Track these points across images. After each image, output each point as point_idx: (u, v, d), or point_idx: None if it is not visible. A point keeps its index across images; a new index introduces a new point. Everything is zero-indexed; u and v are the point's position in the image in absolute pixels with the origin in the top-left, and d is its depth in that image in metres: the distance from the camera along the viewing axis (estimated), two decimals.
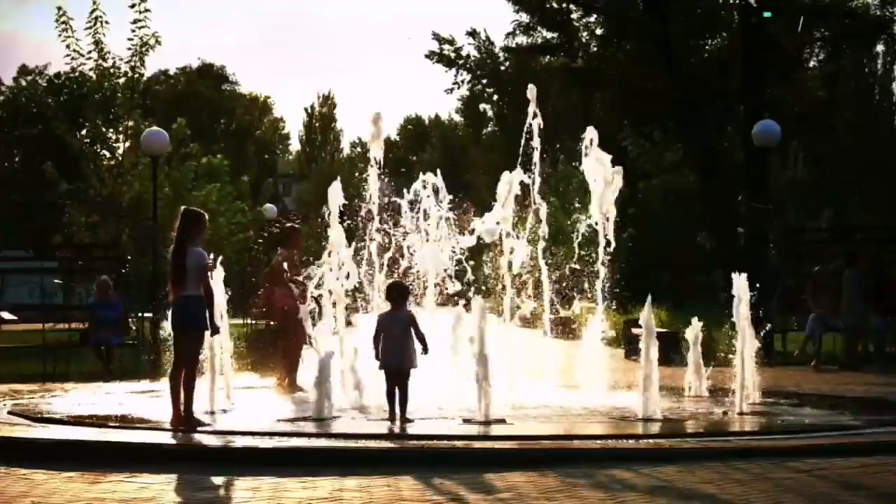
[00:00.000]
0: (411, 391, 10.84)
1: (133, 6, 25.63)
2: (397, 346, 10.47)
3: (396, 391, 10.51)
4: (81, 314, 21.22)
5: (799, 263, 22.55)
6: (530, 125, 13.13)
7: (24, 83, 66.21)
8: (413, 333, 10.54)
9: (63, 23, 25.61)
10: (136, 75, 26.49)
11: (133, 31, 25.78)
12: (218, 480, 7.65)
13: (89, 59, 26.10)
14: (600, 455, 8.46)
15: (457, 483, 7.43)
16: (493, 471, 7.79)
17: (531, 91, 13.17)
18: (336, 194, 12.31)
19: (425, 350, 10.52)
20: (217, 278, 11.21)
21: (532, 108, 13.07)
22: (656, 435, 9.61)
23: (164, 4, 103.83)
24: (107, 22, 25.74)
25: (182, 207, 10.86)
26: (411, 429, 10.18)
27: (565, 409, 11.47)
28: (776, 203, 24.05)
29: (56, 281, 23.21)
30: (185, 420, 10.05)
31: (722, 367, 12.00)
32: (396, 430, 10.06)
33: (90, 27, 25.71)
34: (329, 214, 12.21)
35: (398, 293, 10.77)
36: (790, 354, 19.92)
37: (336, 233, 12.10)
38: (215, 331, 10.51)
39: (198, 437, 9.63)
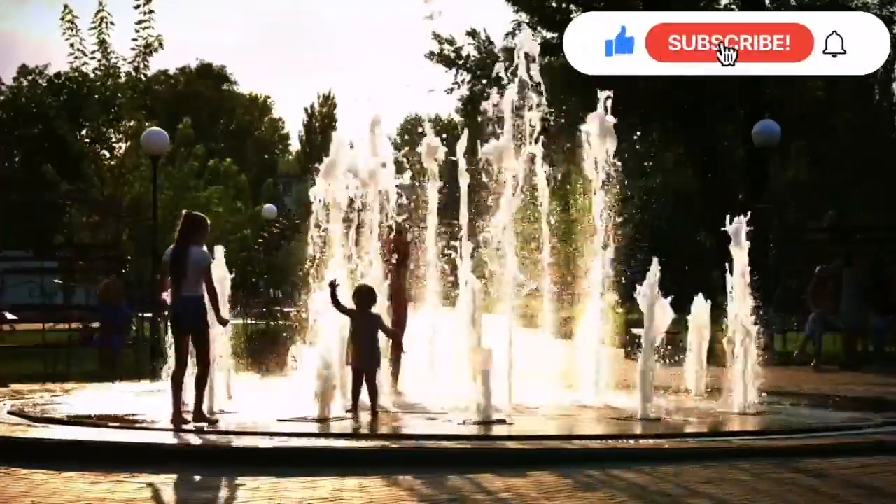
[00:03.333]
0: (417, 391, 11.43)
1: (137, 7, 25.67)
2: (367, 346, 10.89)
3: (364, 388, 10.91)
4: (82, 314, 21.25)
5: (799, 263, 22.58)
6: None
7: (24, 83, 66.22)
8: (382, 332, 11.14)
9: (69, 21, 25.64)
10: (140, 76, 26.52)
11: (137, 31, 25.84)
12: (218, 480, 7.64)
13: (93, 58, 26.15)
14: (600, 455, 8.45)
15: (457, 483, 7.43)
16: (493, 471, 7.78)
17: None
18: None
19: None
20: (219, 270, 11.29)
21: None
22: (656, 435, 9.60)
23: (164, 4, 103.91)
24: (112, 23, 25.81)
25: (184, 211, 10.90)
26: (409, 429, 10.19)
27: (565, 409, 11.47)
28: (776, 203, 24.07)
29: (56, 281, 23.24)
30: (194, 417, 10.16)
31: (722, 367, 12.00)
32: (364, 424, 10.44)
33: (95, 27, 25.76)
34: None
35: (368, 296, 11.08)
36: (790, 354, 19.93)
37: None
38: (224, 323, 10.79)
39: (198, 437, 9.63)
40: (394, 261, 12.84)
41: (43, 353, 18.88)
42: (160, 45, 25.94)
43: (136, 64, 26.26)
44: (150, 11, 25.60)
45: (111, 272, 21.17)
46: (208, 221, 10.72)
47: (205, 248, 10.41)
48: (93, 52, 26.06)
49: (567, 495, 7.02)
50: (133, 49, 26.07)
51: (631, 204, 14.32)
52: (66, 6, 25.59)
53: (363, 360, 10.91)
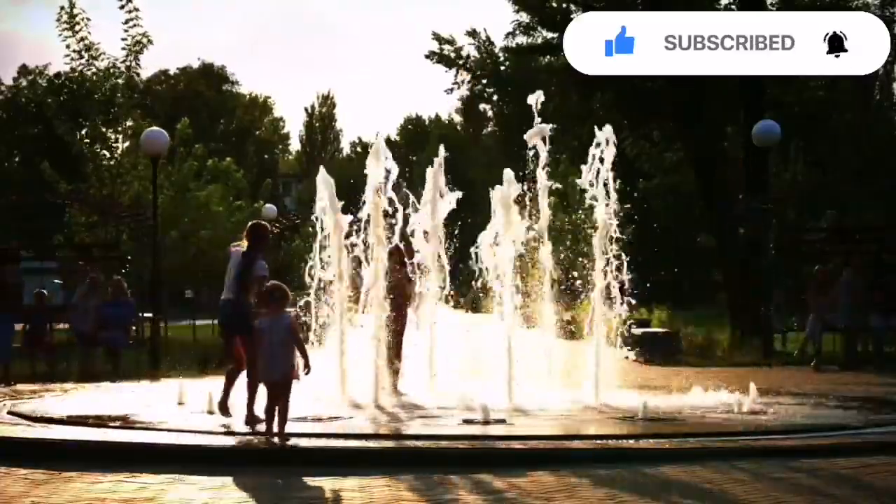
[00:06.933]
0: (420, 394, 11.31)
1: (122, 6, 25.83)
2: (276, 355, 9.09)
3: (277, 406, 9.07)
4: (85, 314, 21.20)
5: (799, 263, 22.61)
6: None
7: (24, 83, 66.23)
8: (294, 342, 9.14)
9: (65, 22, 25.76)
10: (133, 74, 26.65)
11: (126, 30, 25.98)
12: (218, 480, 7.64)
13: (82, 58, 26.32)
14: (600, 455, 8.46)
15: (457, 483, 7.43)
16: (493, 471, 7.79)
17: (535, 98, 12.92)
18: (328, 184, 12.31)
19: (307, 366, 9.05)
20: None
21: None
22: (656, 435, 9.61)
23: (165, 4, 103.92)
24: (88, 19, 25.99)
25: (250, 223, 11.29)
26: (408, 429, 10.19)
27: (565, 409, 11.47)
28: (776, 203, 24.08)
29: (56, 281, 23.26)
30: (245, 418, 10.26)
31: (722, 367, 12.01)
32: (276, 445, 8.94)
33: (69, 27, 25.93)
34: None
35: (280, 296, 9.33)
36: (790, 354, 19.95)
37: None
38: None
39: (197, 437, 9.63)
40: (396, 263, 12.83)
41: (44, 353, 18.93)
42: (149, 41, 26.12)
43: (128, 63, 26.41)
44: (136, 9, 25.80)
45: (111, 272, 21.18)
46: (268, 229, 11.30)
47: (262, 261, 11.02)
48: (80, 52, 26.25)
49: (567, 495, 7.02)
50: (123, 49, 26.26)
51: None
52: (62, 7, 25.73)
53: (285, 371, 9.06)
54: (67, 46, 26.14)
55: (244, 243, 10.78)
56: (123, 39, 26.13)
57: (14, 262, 21.33)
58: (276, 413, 9.08)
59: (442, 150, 13.13)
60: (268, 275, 10.79)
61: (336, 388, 11.93)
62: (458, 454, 8.62)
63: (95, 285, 19.40)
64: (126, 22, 25.91)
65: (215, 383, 11.77)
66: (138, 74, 27.33)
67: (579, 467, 7.88)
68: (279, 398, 9.06)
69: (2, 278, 19.00)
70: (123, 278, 20.34)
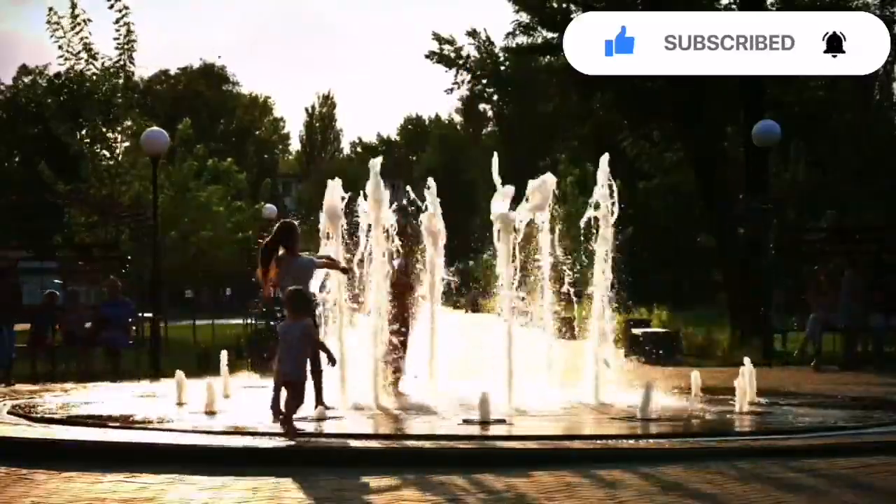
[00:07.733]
0: (421, 394, 11.57)
1: (112, 6, 25.87)
2: (292, 358, 9.72)
3: (288, 400, 9.68)
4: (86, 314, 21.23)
5: (800, 264, 22.62)
6: None
7: (23, 83, 66.22)
8: (310, 345, 9.95)
9: (55, 23, 25.80)
10: (128, 73, 26.72)
11: (117, 29, 26.04)
12: (218, 481, 7.64)
13: (80, 59, 26.36)
14: (600, 455, 8.45)
15: (457, 483, 7.43)
16: (493, 471, 7.79)
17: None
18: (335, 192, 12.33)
19: (331, 359, 10.00)
20: None
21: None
22: (656, 435, 9.61)
23: (165, 4, 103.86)
24: (89, 20, 26.04)
25: (281, 221, 12.00)
26: (408, 429, 10.19)
27: (565, 409, 11.47)
28: (776, 203, 24.09)
29: (56, 281, 23.27)
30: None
31: (722, 367, 12.00)
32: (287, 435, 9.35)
33: (72, 28, 25.97)
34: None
35: (300, 303, 10.06)
36: (790, 354, 19.95)
37: None
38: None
39: (197, 437, 9.64)
40: (397, 264, 12.81)
41: (44, 353, 18.95)
42: (134, 38, 26.25)
43: (122, 62, 26.47)
44: (126, 7, 25.87)
45: (111, 272, 21.20)
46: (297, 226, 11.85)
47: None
48: (78, 53, 26.28)
49: (567, 495, 7.02)
50: (116, 48, 26.31)
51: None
52: (50, 8, 25.82)
53: (298, 370, 9.74)
54: (60, 47, 26.22)
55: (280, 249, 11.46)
56: (115, 39, 26.22)
57: (13, 265, 21.41)
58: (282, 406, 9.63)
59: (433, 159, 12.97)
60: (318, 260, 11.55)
61: (336, 389, 11.93)
62: (458, 454, 8.61)
63: (74, 299, 19.82)
64: (117, 21, 25.97)
65: (213, 383, 11.80)
66: (133, 73, 27.39)
67: (579, 467, 7.87)
68: (294, 394, 9.65)
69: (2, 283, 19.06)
70: (118, 278, 20.33)
